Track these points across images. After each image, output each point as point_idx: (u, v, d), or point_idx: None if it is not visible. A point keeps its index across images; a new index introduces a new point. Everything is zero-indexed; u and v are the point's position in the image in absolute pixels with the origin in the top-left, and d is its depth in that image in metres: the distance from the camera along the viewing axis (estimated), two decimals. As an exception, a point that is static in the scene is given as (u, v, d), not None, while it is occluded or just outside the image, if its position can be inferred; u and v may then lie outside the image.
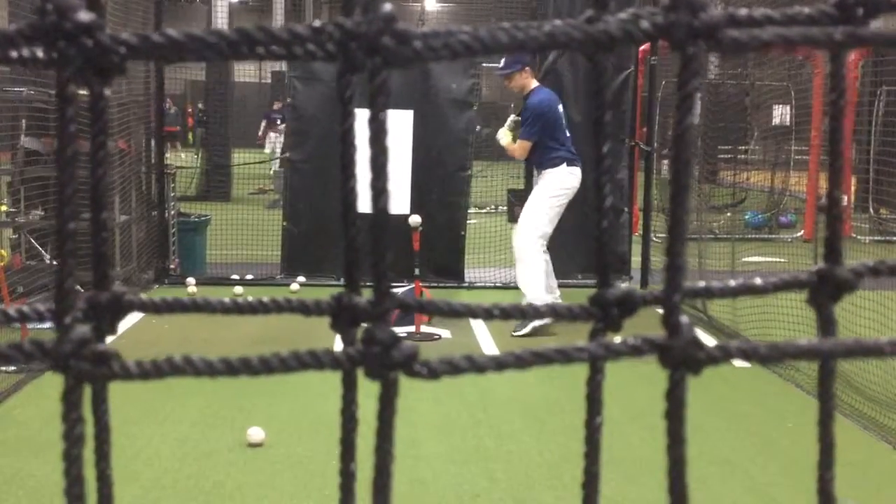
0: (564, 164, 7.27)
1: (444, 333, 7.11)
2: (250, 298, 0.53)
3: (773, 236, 12.55)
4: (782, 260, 9.47)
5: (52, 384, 5.24)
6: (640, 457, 4.56)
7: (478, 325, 7.45)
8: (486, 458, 4.72)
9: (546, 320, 7.15)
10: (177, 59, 0.45)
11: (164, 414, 5.23)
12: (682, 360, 0.45)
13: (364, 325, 0.46)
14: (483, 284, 9.19)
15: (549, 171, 7.29)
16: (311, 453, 4.65)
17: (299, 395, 5.62)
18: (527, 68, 7.35)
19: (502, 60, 7.36)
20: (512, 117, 7.71)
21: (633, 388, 5.60)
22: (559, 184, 7.28)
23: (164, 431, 4.96)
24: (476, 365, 0.46)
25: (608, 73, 0.47)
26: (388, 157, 0.44)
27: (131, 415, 5.09)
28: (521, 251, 7.29)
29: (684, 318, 0.45)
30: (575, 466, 4.89)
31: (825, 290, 0.47)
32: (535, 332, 7.20)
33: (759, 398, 5.88)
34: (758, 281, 0.51)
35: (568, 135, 7.42)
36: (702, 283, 0.49)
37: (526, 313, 0.49)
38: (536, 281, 7.25)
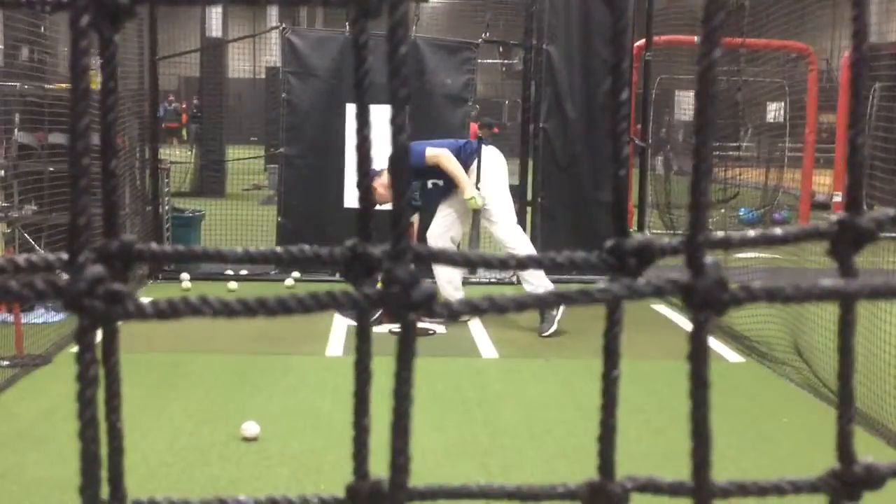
0: (482, 149, 7.29)
1: (439, 328, 7.11)
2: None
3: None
4: (776, 256, 9.48)
5: (46, 378, 5.23)
6: (637, 452, 4.56)
7: (473, 321, 7.44)
8: (480, 452, 4.72)
9: (559, 312, 7.13)
10: (186, 2, 0.44)
11: (158, 408, 5.22)
12: (706, 300, 0.45)
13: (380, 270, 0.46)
14: (478, 280, 9.19)
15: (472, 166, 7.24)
16: (306, 448, 4.64)
17: (294, 390, 5.62)
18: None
19: None
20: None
21: (628, 384, 5.60)
22: (495, 166, 7.31)
23: (158, 426, 4.94)
24: (497, 305, 0.45)
25: (626, 17, 0.46)
26: (408, 91, 0.43)
27: (126, 409, 5.03)
28: (511, 242, 7.27)
29: (709, 259, 0.45)
30: (571, 461, 4.91)
31: (846, 239, 0.47)
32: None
33: (753, 393, 5.88)
34: (778, 231, 0.50)
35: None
36: (720, 233, 0.49)
37: (542, 262, 0.49)
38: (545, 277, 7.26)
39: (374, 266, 0.45)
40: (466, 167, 7.19)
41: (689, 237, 0.45)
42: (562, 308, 7.09)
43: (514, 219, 7.43)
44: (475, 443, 4.85)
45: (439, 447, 4.75)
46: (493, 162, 7.34)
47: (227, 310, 0.43)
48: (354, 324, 0.48)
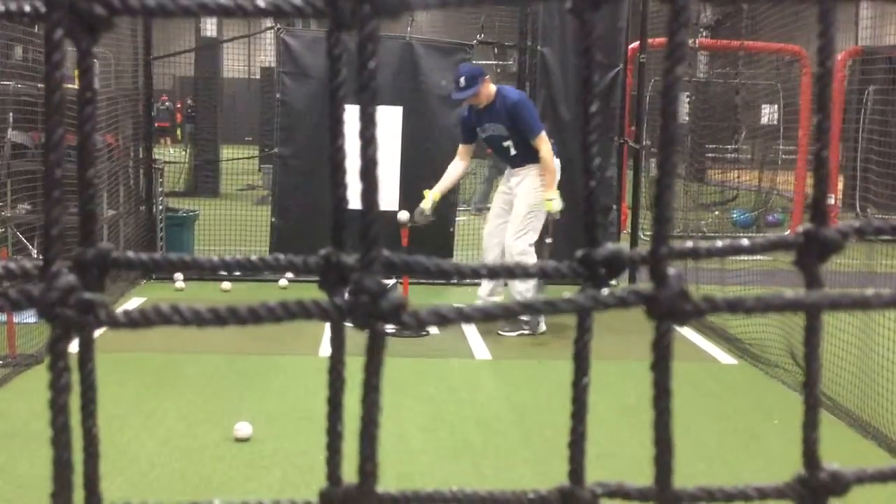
0: (554, 157, 7.19)
1: (433, 329, 7.11)
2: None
3: (761, 235, 12.58)
4: (769, 258, 9.50)
5: (39, 378, 5.22)
6: (629, 453, 4.57)
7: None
8: (473, 453, 4.72)
9: (537, 330, 7.12)
10: (163, 14, 0.45)
11: (150, 409, 5.22)
12: (668, 311, 0.45)
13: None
14: (472, 282, 9.19)
15: (536, 165, 7.09)
16: (298, 448, 4.64)
17: (286, 391, 5.62)
18: (487, 77, 7.13)
19: (462, 80, 6.99)
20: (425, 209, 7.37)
21: (621, 385, 5.63)
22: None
23: (150, 426, 4.95)
24: (464, 315, 0.45)
25: (595, 33, 0.47)
26: (376, 107, 0.44)
27: (118, 410, 5.08)
28: (519, 257, 7.06)
29: (672, 271, 0.46)
30: (563, 462, 4.89)
31: (812, 250, 0.48)
32: (520, 336, 7.13)
33: (745, 395, 5.90)
34: (745, 242, 0.51)
35: None
36: (689, 244, 0.49)
37: (514, 273, 0.49)
38: (532, 288, 7.12)
39: (348, 275, 0.46)
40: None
41: (651, 250, 0.46)
42: (536, 329, 7.12)
43: (534, 238, 7.16)
44: (468, 444, 4.85)
45: (432, 448, 4.75)
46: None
47: (197, 319, 0.44)
48: (349, 325, 0.48)
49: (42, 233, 0.43)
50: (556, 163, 7.15)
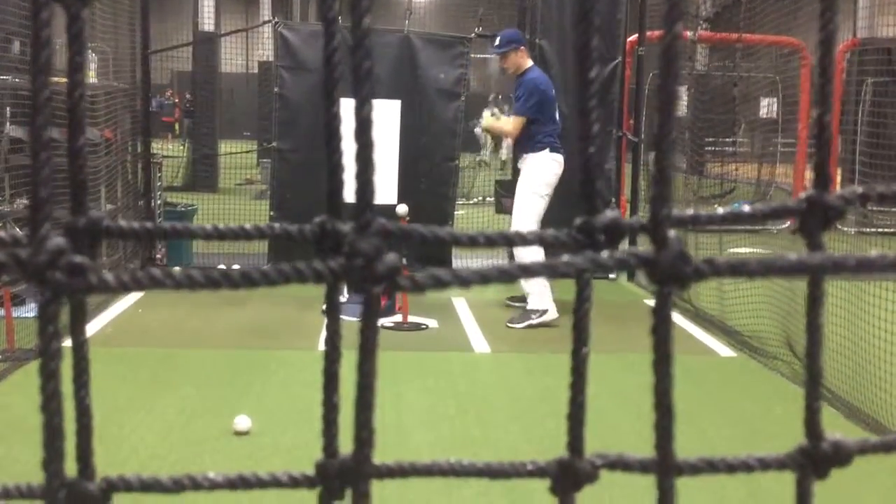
0: (547, 150, 7.23)
1: (432, 323, 7.11)
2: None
3: (760, 227, 12.56)
4: (768, 251, 9.49)
5: (37, 372, 5.22)
6: (629, 443, 4.57)
7: (466, 316, 7.44)
8: (473, 446, 4.72)
9: (545, 318, 7.12)
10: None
11: (150, 402, 5.21)
12: (669, 274, 0.45)
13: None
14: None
15: (531, 155, 7.24)
16: (298, 442, 4.64)
17: (286, 384, 5.62)
18: (522, 48, 7.40)
19: (497, 39, 7.39)
20: (490, 110, 7.83)
21: (622, 376, 5.62)
22: (543, 171, 7.24)
23: (150, 419, 4.94)
24: (460, 278, 0.45)
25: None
26: (371, 65, 0.43)
27: (118, 402, 5.07)
28: (520, 252, 7.13)
29: (672, 233, 0.45)
30: (563, 455, 4.88)
31: (814, 216, 0.47)
32: (529, 327, 7.12)
33: (746, 387, 5.90)
34: (746, 209, 0.50)
35: (557, 122, 7.40)
36: (689, 211, 0.49)
37: (511, 240, 0.49)
38: (544, 289, 7.22)
39: (343, 241, 0.45)
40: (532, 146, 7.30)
41: (652, 212, 0.45)
42: (544, 317, 7.12)
43: (531, 223, 7.16)
44: (467, 437, 4.85)
45: (432, 441, 4.75)
46: (543, 163, 7.27)
47: (189, 282, 0.43)
48: (351, 319, 0.48)
49: (30, 195, 0.42)
50: (557, 159, 7.26)
